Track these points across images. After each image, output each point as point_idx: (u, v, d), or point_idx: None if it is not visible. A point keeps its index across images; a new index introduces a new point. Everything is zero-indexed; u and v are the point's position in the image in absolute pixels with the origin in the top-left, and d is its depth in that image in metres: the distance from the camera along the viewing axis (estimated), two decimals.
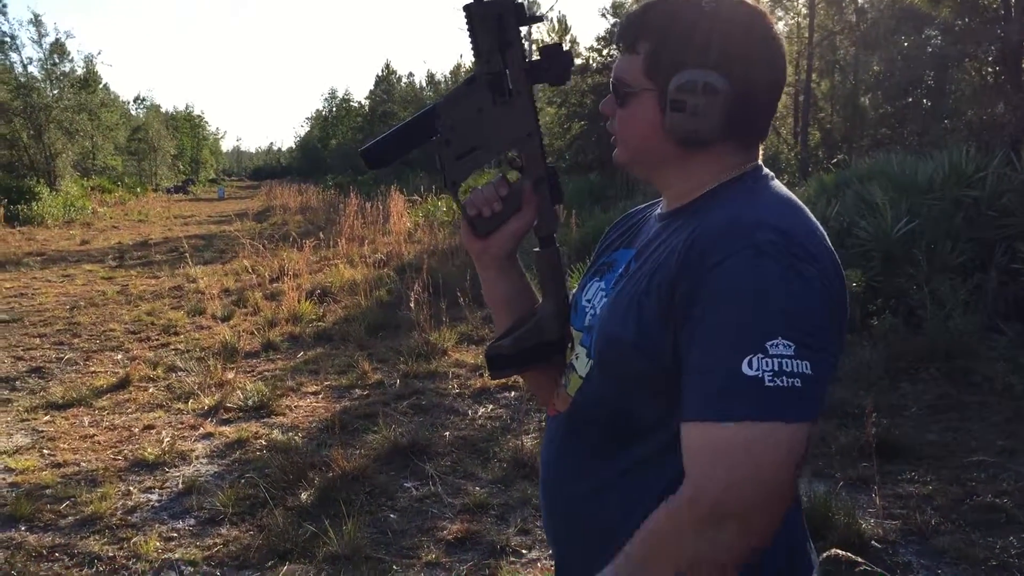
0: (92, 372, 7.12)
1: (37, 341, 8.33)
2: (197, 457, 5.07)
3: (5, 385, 6.79)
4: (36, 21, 28.97)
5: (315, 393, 6.36)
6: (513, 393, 6.14)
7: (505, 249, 1.47)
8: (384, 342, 7.80)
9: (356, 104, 63.77)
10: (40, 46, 29.31)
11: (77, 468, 4.89)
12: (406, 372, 6.66)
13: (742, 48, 1.21)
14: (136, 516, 4.27)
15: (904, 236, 7.22)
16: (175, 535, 4.06)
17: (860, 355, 6.04)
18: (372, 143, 1.42)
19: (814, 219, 1.19)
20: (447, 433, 5.32)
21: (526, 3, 1.41)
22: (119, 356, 7.71)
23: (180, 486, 4.62)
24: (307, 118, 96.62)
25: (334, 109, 68.23)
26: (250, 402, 5.99)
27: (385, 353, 7.34)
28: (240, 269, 12.77)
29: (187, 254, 13.12)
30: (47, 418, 5.86)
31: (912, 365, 6.01)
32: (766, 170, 1.30)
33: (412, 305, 7.47)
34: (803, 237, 1.12)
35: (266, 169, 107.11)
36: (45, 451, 5.17)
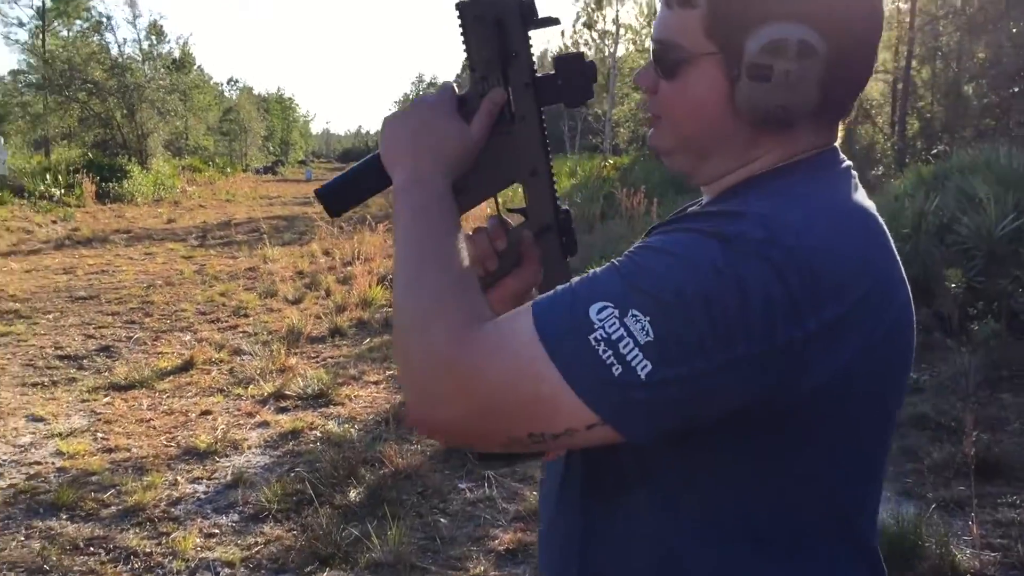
0: (159, 353, 7.07)
1: (109, 319, 8.35)
2: (249, 447, 4.92)
3: (73, 363, 6.79)
4: (131, 2, 29.55)
5: (376, 383, 6.17)
6: None
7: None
8: None
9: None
10: (135, 27, 29.97)
11: (128, 454, 4.78)
12: None
13: None
14: (179, 508, 4.12)
15: (1009, 234, 6.70)
16: (216, 531, 3.89)
17: (957, 363, 5.57)
18: (330, 186, 1.12)
19: (873, 243, 0.91)
20: None
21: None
22: (187, 337, 7.66)
23: (228, 478, 4.47)
24: (395, 101, 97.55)
25: (421, 92, 68.59)
26: (309, 390, 5.83)
27: None
28: (316, 251, 12.75)
29: (266, 235, 13.15)
30: (107, 400, 5.79)
31: (1015, 374, 5.54)
32: (843, 157, 0.99)
33: None
34: (810, 251, 0.83)
35: (354, 152, 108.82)
36: (99, 435, 5.08)
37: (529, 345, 0.81)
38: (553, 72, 1.04)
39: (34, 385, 6.17)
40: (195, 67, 48.47)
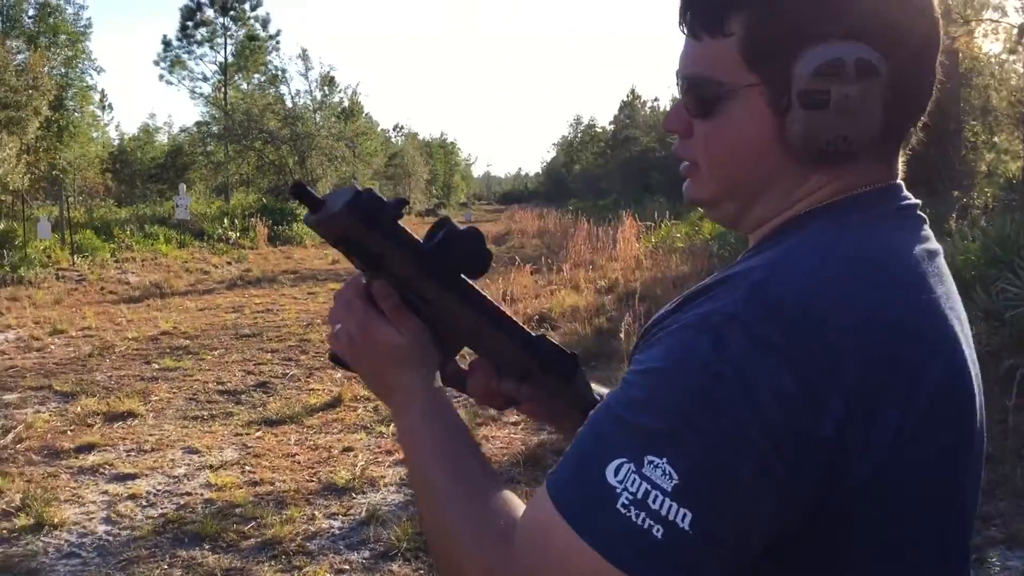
0: (310, 389, 7.33)
1: (269, 356, 8.74)
2: (386, 484, 5.01)
3: (232, 398, 7.12)
4: (304, 56, 31.30)
5: (515, 423, 6.18)
6: None
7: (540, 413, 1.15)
8: (596, 372, 7.50)
9: (599, 129, 64.56)
10: (306, 79, 31.64)
11: (271, 487, 4.95)
12: None
13: (892, 3, 0.81)
14: (314, 543, 4.22)
15: None
16: (346, 567, 3.96)
17: None
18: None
19: (902, 297, 0.78)
20: None
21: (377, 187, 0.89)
22: (338, 375, 7.91)
23: (363, 514, 4.55)
24: (553, 144, 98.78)
25: (579, 135, 69.49)
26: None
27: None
28: None
29: None
30: (258, 434, 6.04)
31: None
32: (905, 195, 0.88)
33: (623, 335, 7.15)
34: (819, 321, 0.73)
35: (514, 194, 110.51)
36: (247, 468, 5.30)
37: (565, 540, 0.72)
38: (440, 244, 0.94)
39: (195, 418, 6.51)
40: (363, 115, 50.73)
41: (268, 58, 33.50)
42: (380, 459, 5.45)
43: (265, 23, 38.26)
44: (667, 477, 0.69)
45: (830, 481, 0.72)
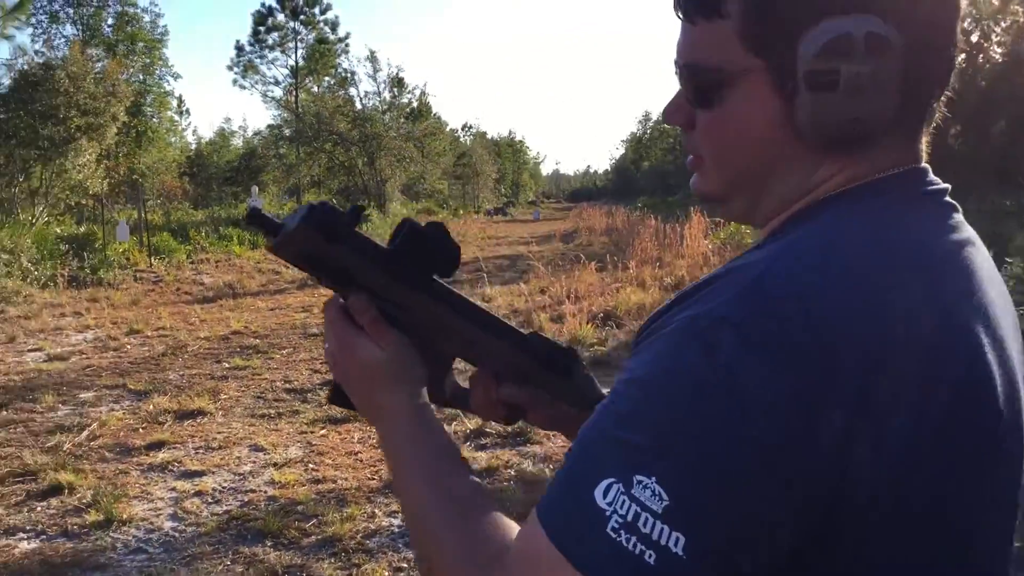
0: None
1: None
2: None
3: (298, 396, 7.22)
4: (372, 57, 31.68)
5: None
6: None
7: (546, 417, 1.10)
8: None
9: (668, 126, 64.15)
10: (374, 80, 32.02)
11: (333, 485, 5.00)
12: None
13: None
14: (374, 541, 4.24)
15: None
16: (404, 566, 3.97)
17: None
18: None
19: (919, 295, 0.70)
20: None
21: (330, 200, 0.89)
22: None
23: None
24: (622, 140, 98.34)
25: (647, 131, 69.08)
26: (510, 427, 5.88)
27: None
28: (533, 290, 12.96)
29: (486, 274, 13.53)
30: (323, 432, 6.11)
31: None
32: (932, 179, 0.80)
33: None
34: (819, 320, 0.66)
35: (582, 191, 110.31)
36: (311, 465, 5.36)
37: (554, 565, 0.67)
38: (403, 245, 0.90)
39: (261, 416, 6.61)
40: (432, 115, 51.15)
41: (337, 60, 33.97)
42: None
43: (334, 26, 38.89)
44: (657, 498, 0.64)
45: (832, 497, 0.66)
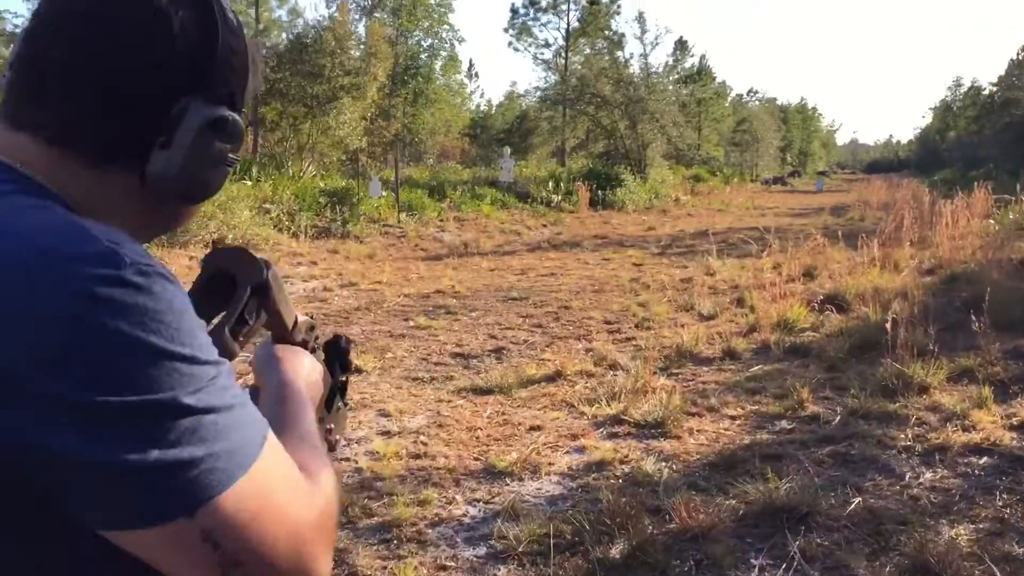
0: (541, 359, 6.97)
1: (520, 321, 8.51)
2: (547, 474, 4.50)
3: (461, 362, 6.96)
4: (640, 19, 30.73)
5: (734, 417, 5.37)
6: (985, 459, 4.52)
7: None
8: (859, 367, 6.42)
9: (985, 92, 57.93)
10: (641, 42, 31.12)
11: (430, 463, 4.64)
12: (854, 409, 5.31)
13: None
14: (435, 531, 3.84)
15: None
16: (450, 564, 3.54)
17: None
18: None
19: None
20: (854, 500, 4.02)
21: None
22: (579, 346, 7.49)
23: (503, 505, 4.09)
24: (929, 108, 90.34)
25: (959, 98, 63.12)
26: (650, 417, 5.24)
27: (849, 380, 5.99)
28: (766, 265, 11.92)
29: (719, 246, 12.65)
30: (460, 403, 5.78)
31: None
32: None
33: (888, 325, 6.01)
34: None
35: (882, 162, 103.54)
36: (422, 438, 5.03)
37: None
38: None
39: (414, 379, 6.40)
40: (713, 80, 49.43)
41: (610, 21, 33.43)
42: (560, 443, 4.94)
43: None
44: None
45: None
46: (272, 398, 0.98)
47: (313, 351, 1.15)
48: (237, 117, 0.87)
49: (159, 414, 0.67)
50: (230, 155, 0.88)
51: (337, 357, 1.25)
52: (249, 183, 15.92)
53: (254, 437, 0.73)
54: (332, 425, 1.23)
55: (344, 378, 1.27)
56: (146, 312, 0.68)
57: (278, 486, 0.74)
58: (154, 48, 0.80)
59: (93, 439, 0.65)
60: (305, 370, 1.07)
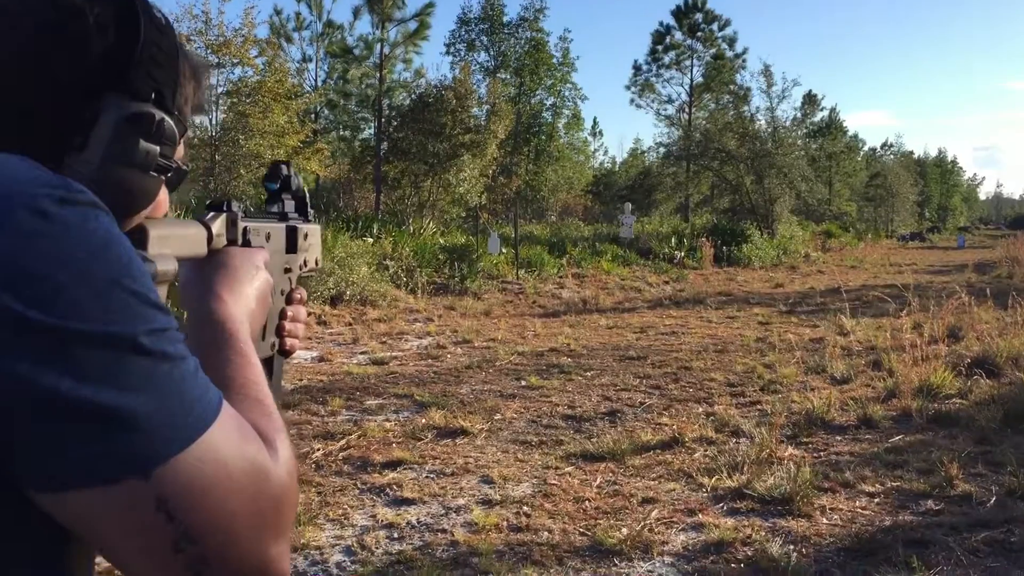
0: (657, 424, 6.53)
1: (637, 382, 8.08)
2: (660, 554, 4.07)
3: (572, 424, 6.59)
4: (766, 71, 30.03)
5: (872, 494, 4.82)
6: None
7: None
8: (1016, 438, 5.74)
9: None
10: (768, 95, 30.44)
11: (532, 538, 4.26)
12: (1012, 488, 4.69)
13: None
14: None
15: None
16: None
17: None
18: None
19: None
20: None
21: None
22: (699, 409, 7.01)
23: None
24: None
25: None
26: (776, 492, 4.74)
27: (1004, 454, 5.34)
28: (906, 325, 11.13)
29: (853, 304, 11.91)
30: (569, 469, 5.40)
31: None
32: None
33: None
34: None
35: None
36: (525, 509, 4.67)
37: None
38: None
39: (522, 443, 6.07)
40: (844, 134, 48.01)
41: (735, 76, 32.91)
42: (675, 519, 4.50)
43: (732, 42, 37.76)
44: None
45: None
46: (208, 341, 0.85)
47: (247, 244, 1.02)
48: (166, 117, 0.78)
49: (117, 347, 0.60)
50: (161, 160, 0.78)
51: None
52: (370, 240, 16.07)
53: (211, 397, 0.66)
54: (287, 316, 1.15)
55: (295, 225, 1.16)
56: (99, 238, 0.63)
57: (236, 453, 0.66)
58: (68, 46, 0.74)
59: (46, 361, 0.58)
60: (254, 288, 0.95)
